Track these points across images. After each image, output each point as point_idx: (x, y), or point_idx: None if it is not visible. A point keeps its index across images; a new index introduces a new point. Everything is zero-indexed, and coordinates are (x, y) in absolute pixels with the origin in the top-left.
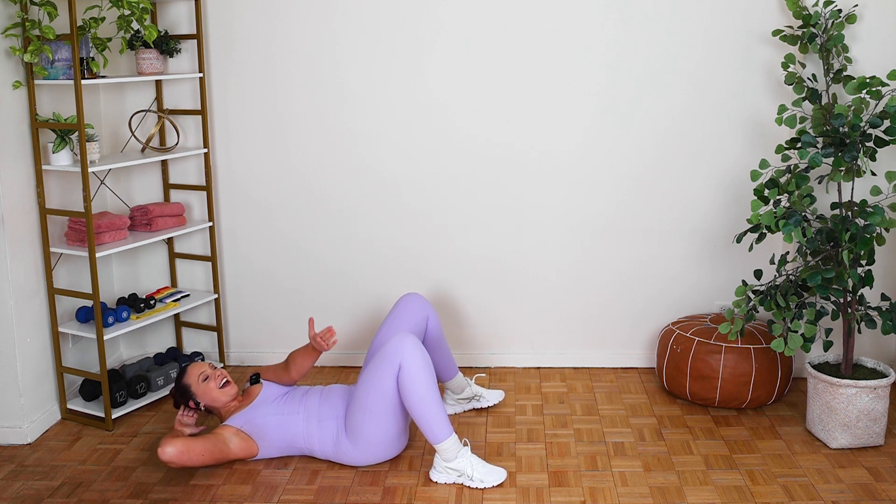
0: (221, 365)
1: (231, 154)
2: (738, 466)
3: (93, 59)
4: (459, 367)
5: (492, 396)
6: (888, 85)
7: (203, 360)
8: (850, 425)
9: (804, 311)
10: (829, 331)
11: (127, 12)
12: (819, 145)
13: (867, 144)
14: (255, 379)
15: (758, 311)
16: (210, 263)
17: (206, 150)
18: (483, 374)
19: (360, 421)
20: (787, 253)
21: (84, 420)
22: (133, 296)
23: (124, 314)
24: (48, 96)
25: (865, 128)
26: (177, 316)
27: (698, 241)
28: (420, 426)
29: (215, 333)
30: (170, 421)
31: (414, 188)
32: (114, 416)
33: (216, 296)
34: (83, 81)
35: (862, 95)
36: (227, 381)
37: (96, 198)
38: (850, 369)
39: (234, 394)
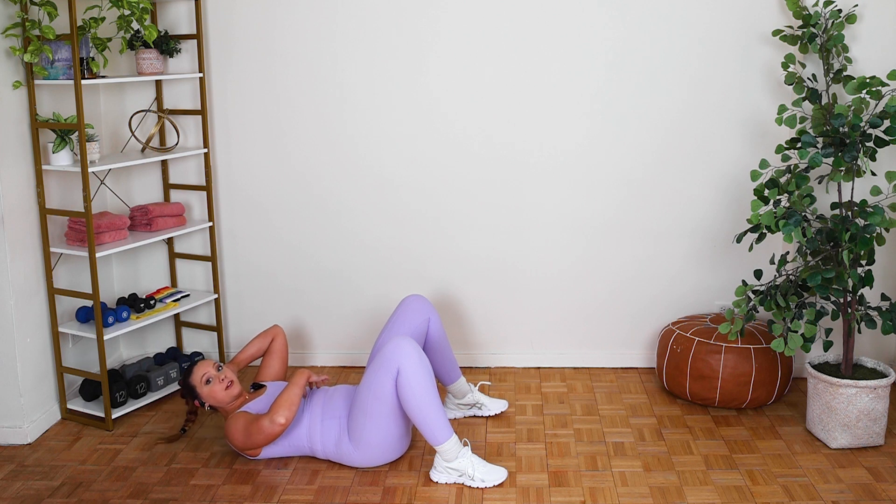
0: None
1: (231, 154)
2: (738, 466)
3: (93, 59)
4: (460, 367)
5: (494, 406)
6: (888, 85)
7: (203, 359)
8: (850, 425)
9: (804, 311)
10: (829, 331)
11: (127, 12)
12: (819, 145)
13: (867, 144)
14: (257, 386)
15: (758, 311)
16: (210, 263)
17: (206, 150)
18: (488, 382)
19: (360, 424)
20: (787, 253)
21: (84, 420)
22: (133, 296)
23: (124, 314)
24: (48, 96)
25: (865, 128)
26: (177, 316)
27: (698, 241)
28: (420, 429)
29: (215, 333)
30: (170, 420)
31: (414, 188)
32: (114, 416)
33: (216, 296)
34: (83, 81)
35: (862, 95)
36: (232, 382)
37: (96, 198)
38: (850, 369)
39: (239, 392)
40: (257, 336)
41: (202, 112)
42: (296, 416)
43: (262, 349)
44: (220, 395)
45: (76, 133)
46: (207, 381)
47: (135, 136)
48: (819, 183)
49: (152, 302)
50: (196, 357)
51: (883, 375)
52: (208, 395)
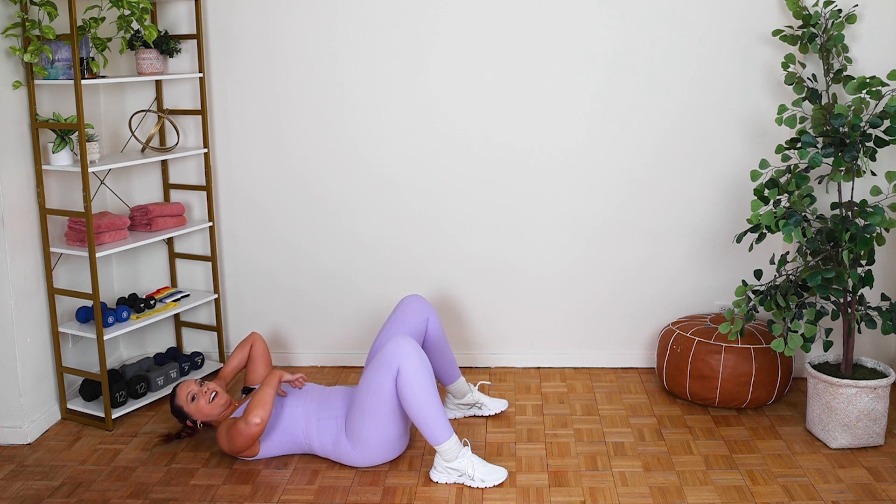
0: (218, 367)
1: (231, 154)
2: (738, 466)
3: (93, 59)
4: (460, 367)
5: (494, 405)
6: (888, 85)
7: (203, 360)
8: (850, 425)
9: (804, 311)
10: (829, 331)
11: (127, 12)
12: (819, 145)
13: (867, 144)
14: (248, 390)
15: (758, 311)
16: (210, 263)
17: (206, 150)
18: (488, 382)
19: (359, 424)
20: (787, 253)
21: (84, 420)
22: (133, 296)
23: (124, 314)
24: (48, 96)
25: (865, 128)
26: (177, 316)
27: (698, 241)
28: (420, 428)
29: (215, 333)
30: (170, 420)
31: (414, 188)
32: (114, 416)
33: (216, 296)
34: (83, 81)
35: (862, 95)
36: (217, 394)
37: (96, 198)
38: (850, 369)
39: (227, 402)
40: (237, 347)
41: (202, 112)
42: (292, 414)
43: (244, 358)
44: (206, 408)
45: (76, 133)
46: (193, 398)
47: (135, 136)
48: (819, 183)
49: (152, 302)
50: (196, 357)
51: (883, 375)
52: (196, 412)
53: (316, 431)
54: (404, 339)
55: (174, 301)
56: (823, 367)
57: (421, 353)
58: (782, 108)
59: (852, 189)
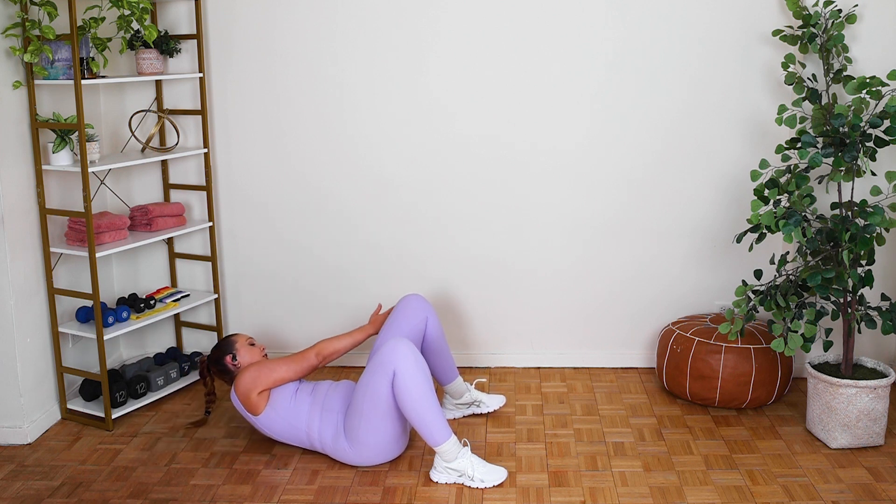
0: None
1: (231, 154)
2: (738, 466)
3: (93, 59)
4: (460, 368)
5: (492, 402)
6: (888, 85)
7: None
8: (850, 425)
9: (804, 311)
10: (829, 331)
11: (127, 12)
12: (819, 145)
13: (867, 144)
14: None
15: (758, 311)
16: (210, 263)
17: (206, 150)
18: (483, 379)
19: (356, 424)
20: (787, 253)
21: (84, 420)
22: (133, 296)
23: (124, 314)
24: (48, 96)
25: (865, 128)
26: (177, 316)
27: (698, 241)
28: (418, 430)
29: (215, 333)
30: (170, 420)
31: (414, 188)
32: (114, 416)
33: (216, 296)
34: (83, 81)
35: (862, 95)
36: (266, 355)
37: (96, 198)
38: (850, 369)
39: None
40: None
41: (202, 112)
42: (299, 406)
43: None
44: (258, 357)
45: (76, 133)
46: (252, 344)
47: (135, 136)
48: (819, 183)
49: (152, 302)
50: (196, 357)
51: (883, 375)
52: (247, 354)
53: (318, 426)
54: (401, 341)
55: (174, 301)
56: (823, 367)
57: (417, 356)
58: (782, 108)
59: (852, 189)
